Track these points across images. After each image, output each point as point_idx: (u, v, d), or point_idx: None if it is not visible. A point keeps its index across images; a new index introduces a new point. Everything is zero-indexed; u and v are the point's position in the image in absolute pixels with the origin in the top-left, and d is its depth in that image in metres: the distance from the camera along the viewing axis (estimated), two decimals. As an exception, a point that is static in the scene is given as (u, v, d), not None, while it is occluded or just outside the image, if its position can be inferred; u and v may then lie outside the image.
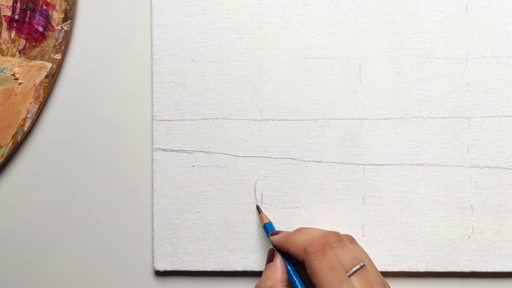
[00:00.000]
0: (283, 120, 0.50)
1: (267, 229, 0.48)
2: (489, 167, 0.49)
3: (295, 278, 0.44)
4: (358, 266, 0.42)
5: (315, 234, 0.44)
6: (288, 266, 0.45)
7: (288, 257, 0.45)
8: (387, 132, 0.49)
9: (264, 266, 0.49)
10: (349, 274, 0.41)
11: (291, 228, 0.49)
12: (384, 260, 0.49)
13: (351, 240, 0.46)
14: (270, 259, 0.45)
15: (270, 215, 0.49)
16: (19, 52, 0.50)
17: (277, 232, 0.46)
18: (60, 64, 0.51)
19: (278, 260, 0.45)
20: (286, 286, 0.43)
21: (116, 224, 0.51)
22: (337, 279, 0.41)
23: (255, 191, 0.50)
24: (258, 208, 0.49)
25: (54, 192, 0.51)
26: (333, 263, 0.41)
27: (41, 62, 0.50)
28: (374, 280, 0.42)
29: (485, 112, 0.49)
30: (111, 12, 0.51)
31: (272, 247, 0.46)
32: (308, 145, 0.50)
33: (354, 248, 0.44)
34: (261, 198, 0.50)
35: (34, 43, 0.50)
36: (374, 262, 0.49)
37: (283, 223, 0.49)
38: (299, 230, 0.46)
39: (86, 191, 0.51)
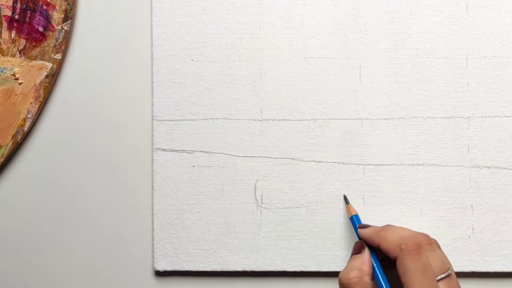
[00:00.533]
0: (283, 120, 0.50)
1: (354, 221, 0.47)
2: (489, 167, 0.49)
3: (379, 274, 0.44)
4: (445, 274, 0.42)
5: (407, 233, 0.44)
6: (375, 262, 0.44)
7: (375, 252, 0.45)
8: (387, 132, 0.49)
9: (264, 265, 0.49)
10: (437, 279, 0.41)
11: (291, 228, 0.49)
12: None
13: (438, 245, 0.45)
14: (357, 251, 0.45)
15: (270, 215, 0.49)
16: (19, 52, 0.50)
17: (366, 226, 0.46)
18: (60, 64, 0.51)
19: (366, 253, 0.45)
20: (372, 280, 0.43)
21: (116, 224, 0.51)
22: (428, 282, 0.40)
23: (255, 191, 0.50)
24: (345, 198, 0.49)
25: (54, 192, 0.51)
26: (425, 265, 0.41)
27: (41, 62, 0.50)
28: None
29: (485, 112, 0.49)
30: (111, 12, 0.51)
31: (358, 240, 0.46)
32: (308, 145, 0.50)
33: (441, 254, 0.43)
34: (261, 198, 0.50)
35: (34, 43, 0.50)
36: (374, 262, 0.49)
37: (283, 223, 0.49)
38: (387, 227, 0.45)
39: (86, 191, 0.51)
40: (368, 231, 0.45)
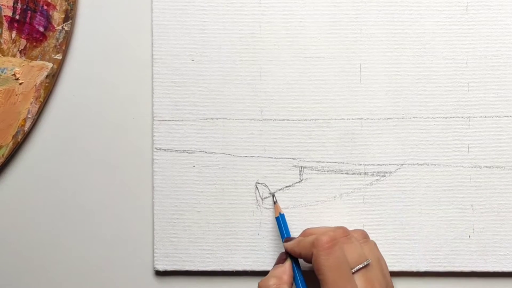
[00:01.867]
0: (284, 120, 0.50)
1: (280, 223, 0.48)
2: (489, 167, 0.49)
3: (300, 284, 0.44)
4: (361, 265, 0.42)
5: (322, 231, 0.44)
6: (297, 271, 0.45)
7: (298, 264, 0.45)
8: (387, 132, 0.49)
9: (265, 264, 0.49)
10: (353, 271, 0.41)
11: (292, 228, 0.49)
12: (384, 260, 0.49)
13: (364, 235, 0.46)
14: (279, 261, 0.46)
15: (270, 215, 0.49)
16: (20, 52, 0.50)
17: (291, 239, 0.46)
18: (60, 64, 0.51)
19: (288, 263, 0.45)
20: None
21: (116, 224, 0.51)
22: (342, 278, 0.41)
23: (255, 191, 0.50)
24: (273, 196, 0.49)
25: (54, 192, 0.51)
26: (339, 261, 0.41)
27: (42, 62, 0.50)
28: (376, 281, 0.42)
29: (485, 112, 0.49)
30: (112, 12, 0.51)
31: (284, 251, 0.47)
32: (308, 145, 0.50)
33: (357, 246, 0.43)
34: (262, 198, 0.50)
35: (34, 43, 0.50)
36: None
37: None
38: (305, 232, 0.46)
39: (86, 191, 0.51)
40: (290, 243, 0.45)
